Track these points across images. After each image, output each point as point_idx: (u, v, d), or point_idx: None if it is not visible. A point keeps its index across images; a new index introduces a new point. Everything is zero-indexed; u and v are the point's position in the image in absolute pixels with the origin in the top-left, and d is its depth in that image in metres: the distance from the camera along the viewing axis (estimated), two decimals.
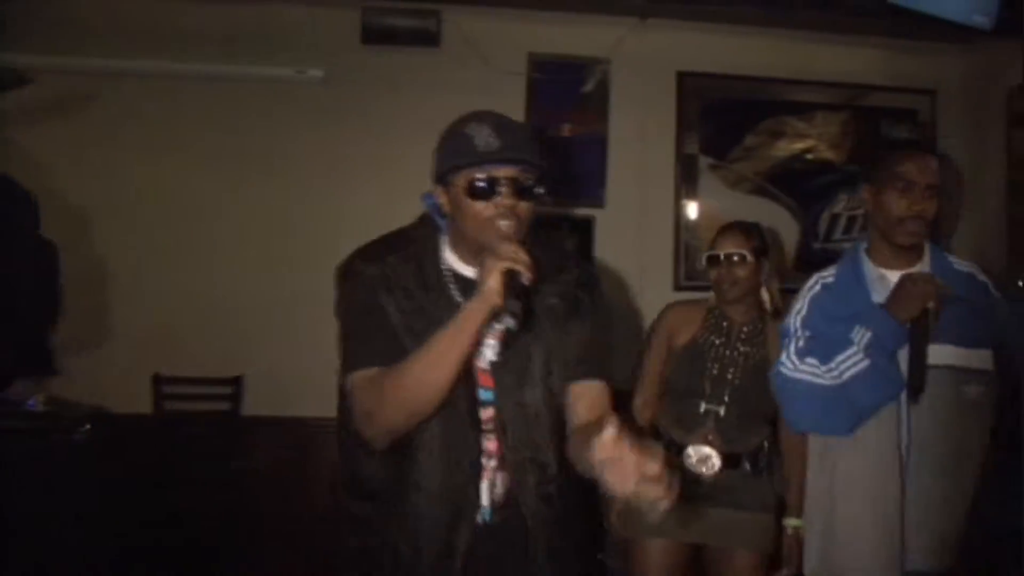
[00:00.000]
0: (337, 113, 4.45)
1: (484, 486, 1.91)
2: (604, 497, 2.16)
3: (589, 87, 4.69)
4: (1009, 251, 4.47)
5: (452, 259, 1.93)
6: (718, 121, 4.78)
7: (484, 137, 1.80)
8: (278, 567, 4.13)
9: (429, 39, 4.47)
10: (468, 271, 1.89)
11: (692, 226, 4.74)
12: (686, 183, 4.76)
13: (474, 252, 1.80)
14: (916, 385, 2.26)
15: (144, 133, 4.37)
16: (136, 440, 4.00)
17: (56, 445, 3.46)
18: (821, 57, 4.82)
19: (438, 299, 1.83)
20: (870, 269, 2.43)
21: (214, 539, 4.07)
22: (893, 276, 2.37)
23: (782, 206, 4.78)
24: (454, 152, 1.83)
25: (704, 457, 2.82)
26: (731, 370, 2.86)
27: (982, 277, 2.47)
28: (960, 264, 2.48)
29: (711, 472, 2.82)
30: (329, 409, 2.06)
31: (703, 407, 2.85)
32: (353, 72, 4.49)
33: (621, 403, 3.97)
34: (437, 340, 1.73)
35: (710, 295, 3.02)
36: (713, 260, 2.94)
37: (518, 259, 1.70)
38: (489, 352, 1.90)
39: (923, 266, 2.41)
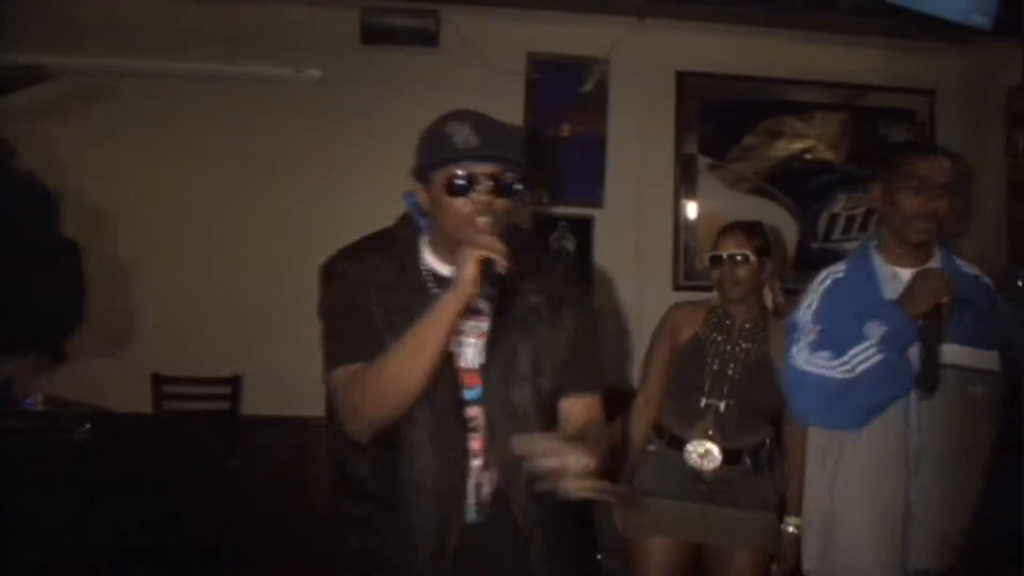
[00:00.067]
0: (336, 113, 4.45)
1: (471, 485, 1.91)
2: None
3: (588, 87, 4.69)
4: (1009, 251, 4.47)
5: (432, 259, 1.94)
6: (717, 121, 4.79)
7: (463, 134, 1.81)
8: (277, 567, 4.13)
9: (428, 39, 4.47)
10: (447, 270, 1.89)
11: (691, 226, 4.74)
12: (685, 183, 4.76)
13: (453, 250, 1.80)
14: (930, 381, 2.26)
15: (143, 132, 4.37)
16: (136, 439, 3.99)
17: (55, 444, 3.46)
18: (820, 57, 4.82)
19: (418, 298, 1.83)
20: (881, 266, 2.43)
21: (214, 539, 4.08)
22: (905, 274, 2.37)
23: (781, 206, 4.78)
24: (433, 149, 1.84)
25: (704, 452, 2.83)
26: (731, 365, 2.88)
27: (986, 279, 2.48)
28: (966, 266, 2.49)
29: (711, 467, 2.83)
30: None
31: (703, 402, 2.86)
32: (352, 72, 4.49)
33: (622, 402, 4.00)
34: (415, 332, 1.75)
35: (713, 295, 3.03)
36: (716, 260, 2.96)
37: (494, 248, 1.72)
38: (471, 352, 1.91)
39: (934, 264, 2.42)
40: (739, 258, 2.91)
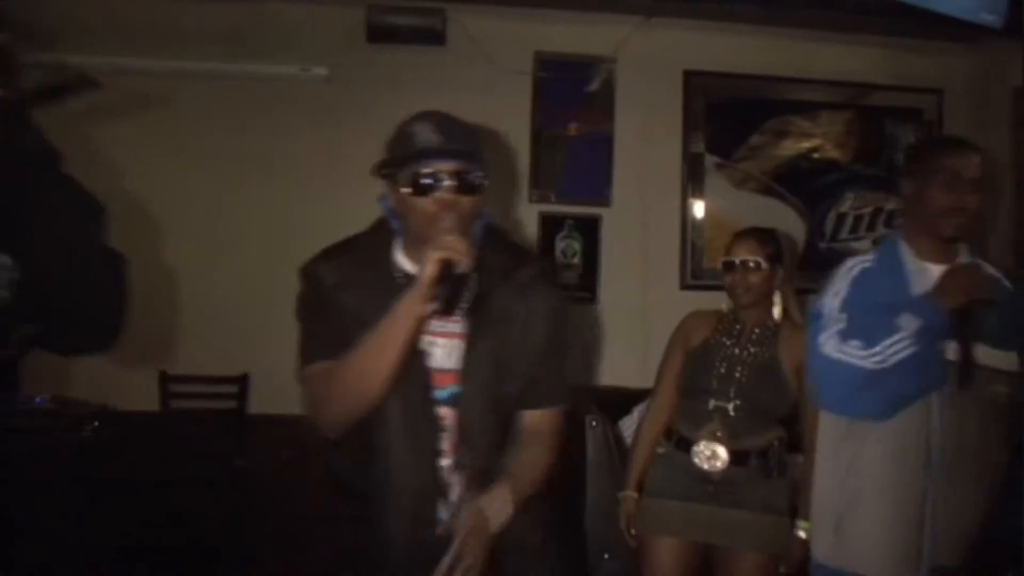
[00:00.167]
0: (342, 112, 4.45)
1: (443, 484, 1.93)
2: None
3: (595, 86, 4.69)
4: (1016, 250, 4.46)
5: (403, 259, 1.95)
6: (724, 120, 4.78)
7: (425, 133, 1.84)
8: (283, 566, 4.13)
9: (434, 38, 4.47)
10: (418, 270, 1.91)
11: (698, 225, 4.74)
12: (692, 182, 4.76)
13: (421, 249, 1.82)
14: (967, 377, 2.26)
15: (146, 131, 4.37)
16: (142, 438, 4.00)
17: (63, 442, 3.47)
18: (827, 56, 4.82)
19: (390, 298, 1.84)
20: (910, 260, 2.42)
21: (220, 537, 4.08)
22: (934, 269, 2.36)
23: (788, 205, 4.78)
24: (397, 149, 1.88)
25: (712, 453, 2.84)
26: (739, 368, 2.88)
27: (1005, 281, 2.47)
28: (987, 266, 2.48)
29: (719, 468, 2.83)
30: None
31: (712, 404, 2.87)
32: (358, 70, 4.49)
33: (629, 403, 4.00)
34: (377, 331, 1.79)
35: (726, 304, 3.04)
36: (728, 265, 2.98)
37: (454, 248, 1.74)
38: (441, 352, 1.92)
39: (963, 260, 2.41)
40: (751, 264, 2.92)
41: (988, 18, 2.64)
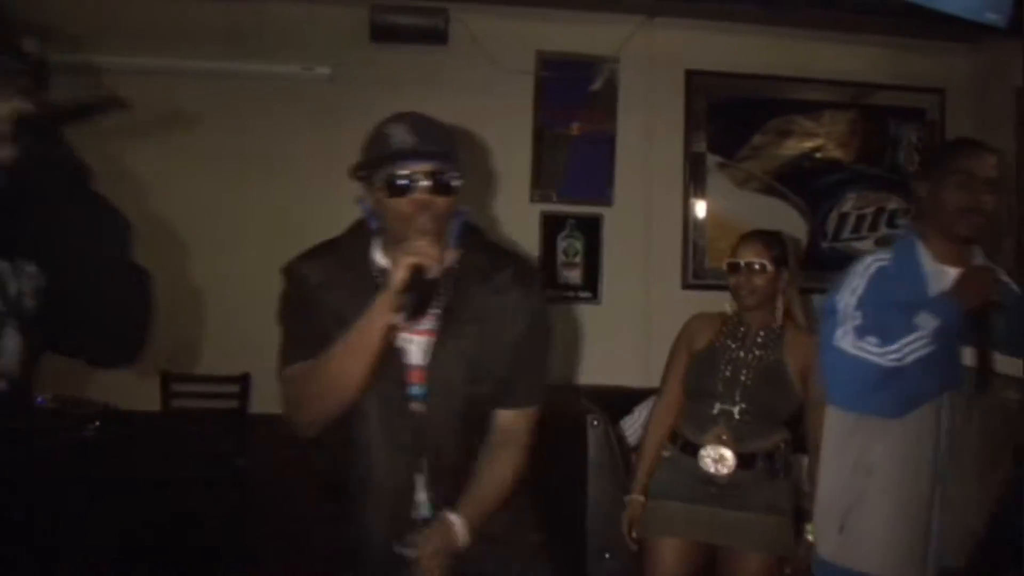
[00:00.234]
0: (344, 111, 4.44)
1: (420, 481, 1.94)
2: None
3: (597, 85, 4.69)
4: (1018, 251, 4.46)
5: (382, 259, 1.96)
6: (726, 120, 4.78)
7: (400, 135, 1.85)
8: (283, 565, 4.13)
9: (437, 37, 4.47)
10: None
11: (700, 225, 4.74)
12: (694, 182, 4.75)
13: (397, 248, 1.84)
14: (984, 379, 2.26)
15: (147, 130, 4.36)
16: (144, 437, 4.00)
17: (64, 442, 3.47)
18: (829, 56, 4.82)
19: (368, 298, 1.84)
20: (928, 261, 2.42)
21: (220, 537, 4.07)
22: (951, 271, 2.35)
23: (790, 205, 4.78)
24: (373, 151, 1.89)
25: (719, 457, 2.83)
26: (744, 372, 2.88)
27: (1014, 285, 2.47)
28: (1001, 272, 2.47)
29: (725, 472, 2.83)
30: None
31: (717, 407, 2.87)
32: (360, 70, 4.49)
33: (630, 402, 3.99)
34: (350, 333, 1.80)
35: (729, 305, 3.03)
36: (733, 267, 2.97)
37: (425, 254, 1.76)
38: (417, 349, 1.93)
39: (978, 262, 2.41)
40: (757, 267, 2.92)
41: (992, 17, 2.63)
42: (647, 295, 4.60)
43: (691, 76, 4.77)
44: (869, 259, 2.47)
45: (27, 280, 1.61)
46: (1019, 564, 2.30)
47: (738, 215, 4.56)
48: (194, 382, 4.28)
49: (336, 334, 1.83)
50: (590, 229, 4.66)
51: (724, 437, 2.84)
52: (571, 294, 4.63)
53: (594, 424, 3.48)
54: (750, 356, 2.91)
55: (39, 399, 3.22)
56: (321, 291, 1.93)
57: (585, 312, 4.63)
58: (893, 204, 4.82)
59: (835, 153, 4.85)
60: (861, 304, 2.37)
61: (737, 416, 2.85)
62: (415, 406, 1.92)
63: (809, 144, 4.83)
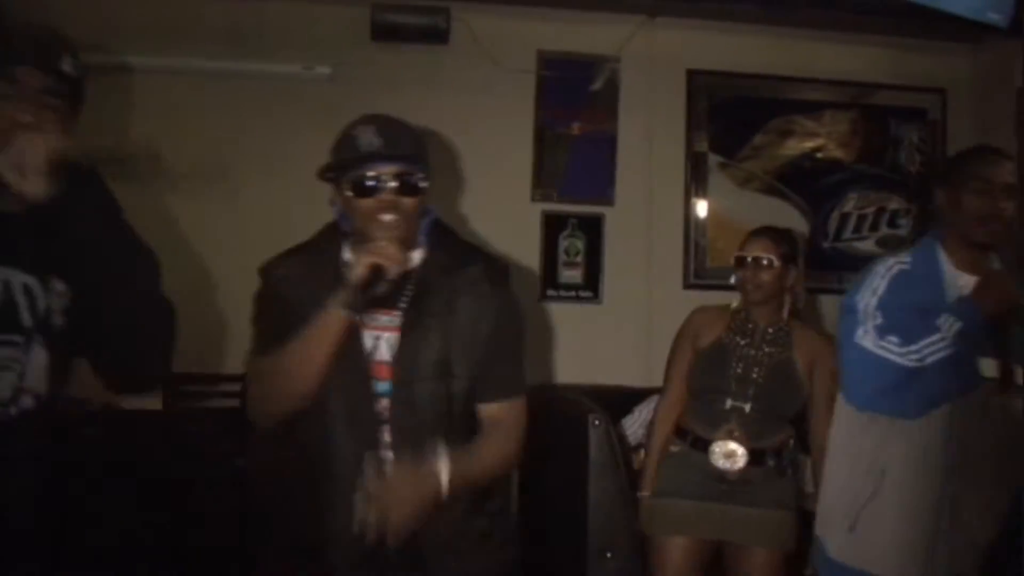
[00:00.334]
0: (345, 110, 4.37)
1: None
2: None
3: (598, 85, 4.68)
4: (1019, 253, 4.44)
5: (352, 260, 1.98)
6: (727, 119, 4.78)
7: (367, 137, 1.90)
8: (283, 565, 4.12)
9: (438, 36, 4.46)
10: None
11: (701, 224, 4.74)
12: (696, 181, 4.75)
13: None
14: (1008, 382, 2.26)
15: (149, 129, 4.35)
16: (146, 436, 4.00)
17: (65, 442, 3.46)
18: (830, 56, 4.81)
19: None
20: (948, 267, 2.42)
21: (224, 537, 4.07)
22: (971, 279, 2.35)
23: (792, 205, 4.77)
24: (340, 153, 1.94)
25: (730, 452, 2.85)
26: (755, 369, 2.90)
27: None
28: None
29: (737, 468, 2.84)
30: None
31: (729, 404, 2.89)
32: (361, 69, 4.48)
33: (631, 402, 3.99)
34: (307, 329, 1.84)
35: (734, 298, 3.04)
36: (740, 261, 2.99)
37: (385, 254, 1.81)
38: (385, 345, 1.94)
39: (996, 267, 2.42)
40: (764, 262, 2.93)
41: (994, 17, 2.64)
42: (648, 295, 4.60)
43: (692, 76, 4.76)
44: (891, 260, 2.47)
45: (56, 298, 1.63)
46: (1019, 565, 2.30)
47: (739, 215, 4.56)
48: (196, 381, 4.28)
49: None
50: (591, 229, 4.65)
51: (736, 434, 2.86)
52: (572, 294, 4.63)
53: (596, 424, 3.48)
54: (760, 353, 2.92)
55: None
56: (291, 290, 1.96)
57: (586, 312, 4.63)
58: (894, 204, 4.82)
59: (836, 153, 4.84)
60: (881, 304, 2.37)
61: (748, 412, 2.86)
62: (381, 402, 1.93)
63: (810, 144, 4.83)
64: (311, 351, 1.85)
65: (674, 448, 2.97)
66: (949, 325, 2.24)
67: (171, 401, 4.27)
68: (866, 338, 2.32)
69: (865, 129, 4.85)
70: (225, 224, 4.42)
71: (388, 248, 1.82)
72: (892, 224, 4.80)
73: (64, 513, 1.74)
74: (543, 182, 4.64)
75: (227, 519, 4.08)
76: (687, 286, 4.67)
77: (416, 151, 1.93)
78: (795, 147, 4.81)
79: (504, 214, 4.47)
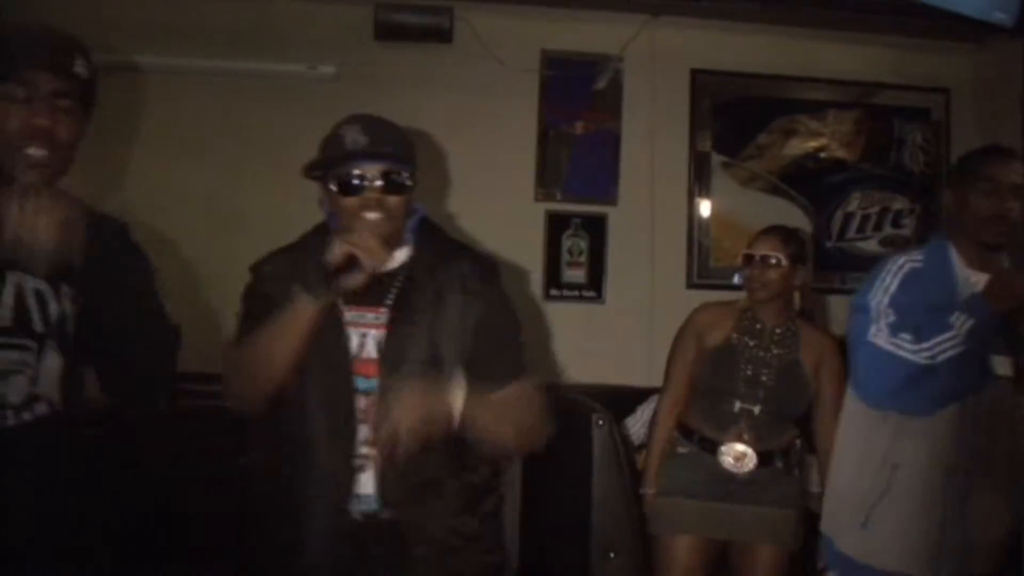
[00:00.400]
0: (348, 110, 4.39)
1: (366, 477, 1.94)
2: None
3: (602, 84, 4.68)
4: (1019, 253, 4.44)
5: None
6: (731, 119, 4.77)
7: (353, 135, 1.93)
8: (284, 564, 4.12)
9: (442, 36, 4.46)
10: None
11: (705, 224, 4.73)
12: (699, 181, 4.74)
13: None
14: (1021, 377, 2.26)
15: (149, 129, 4.36)
16: (147, 436, 3.99)
17: (67, 441, 3.45)
18: (834, 55, 4.80)
19: None
20: (959, 266, 2.41)
21: (224, 536, 4.07)
22: (982, 279, 2.35)
23: (795, 205, 4.76)
24: (327, 152, 1.97)
25: (740, 455, 2.86)
26: (765, 371, 2.90)
27: None
28: None
29: (747, 469, 2.84)
30: None
31: (738, 406, 2.89)
32: (365, 68, 4.48)
33: (634, 402, 3.98)
34: (276, 319, 1.88)
35: (740, 296, 3.04)
36: (748, 259, 2.99)
37: (363, 246, 1.81)
38: (369, 342, 1.95)
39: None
40: (772, 261, 2.93)
41: (1000, 17, 2.64)
42: (651, 294, 4.60)
43: (696, 75, 4.76)
44: (902, 258, 2.47)
45: (69, 304, 1.63)
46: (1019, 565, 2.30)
47: (743, 215, 4.56)
48: (197, 380, 4.27)
49: None
50: (595, 228, 4.64)
51: (745, 436, 2.86)
52: (575, 293, 4.63)
53: (599, 424, 3.48)
54: (769, 355, 2.92)
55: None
56: (276, 286, 1.98)
57: (589, 311, 4.63)
58: (898, 204, 4.82)
59: (840, 153, 4.83)
60: (893, 302, 2.37)
61: (757, 415, 2.87)
62: (364, 399, 1.93)
63: (814, 144, 4.82)
64: (285, 334, 1.87)
65: (681, 449, 2.97)
66: (961, 323, 2.24)
67: (172, 401, 4.26)
68: (878, 336, 2.32)
69: (869, 129, 4.84)
70: (229, 222, 4.41)
71: (367, 240, 1.83)
72: (896, 224, 4.79)
73: (78, 517, 1.74)
74: (546, 181, 4.64)
75: (227, 519, 4.08)
76: (690, 286, 4.67)
77: (402, 150, 1.95)
78: (799, 147, 4.80)
79: (507, 213, 4.47)
